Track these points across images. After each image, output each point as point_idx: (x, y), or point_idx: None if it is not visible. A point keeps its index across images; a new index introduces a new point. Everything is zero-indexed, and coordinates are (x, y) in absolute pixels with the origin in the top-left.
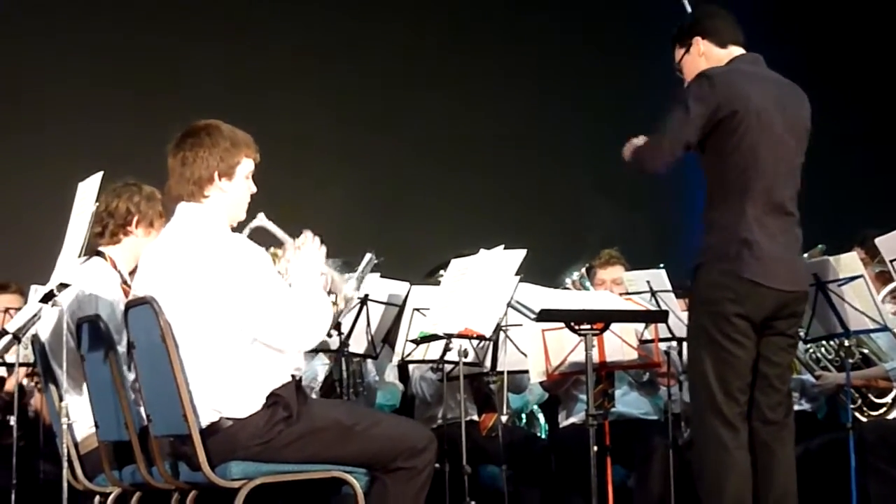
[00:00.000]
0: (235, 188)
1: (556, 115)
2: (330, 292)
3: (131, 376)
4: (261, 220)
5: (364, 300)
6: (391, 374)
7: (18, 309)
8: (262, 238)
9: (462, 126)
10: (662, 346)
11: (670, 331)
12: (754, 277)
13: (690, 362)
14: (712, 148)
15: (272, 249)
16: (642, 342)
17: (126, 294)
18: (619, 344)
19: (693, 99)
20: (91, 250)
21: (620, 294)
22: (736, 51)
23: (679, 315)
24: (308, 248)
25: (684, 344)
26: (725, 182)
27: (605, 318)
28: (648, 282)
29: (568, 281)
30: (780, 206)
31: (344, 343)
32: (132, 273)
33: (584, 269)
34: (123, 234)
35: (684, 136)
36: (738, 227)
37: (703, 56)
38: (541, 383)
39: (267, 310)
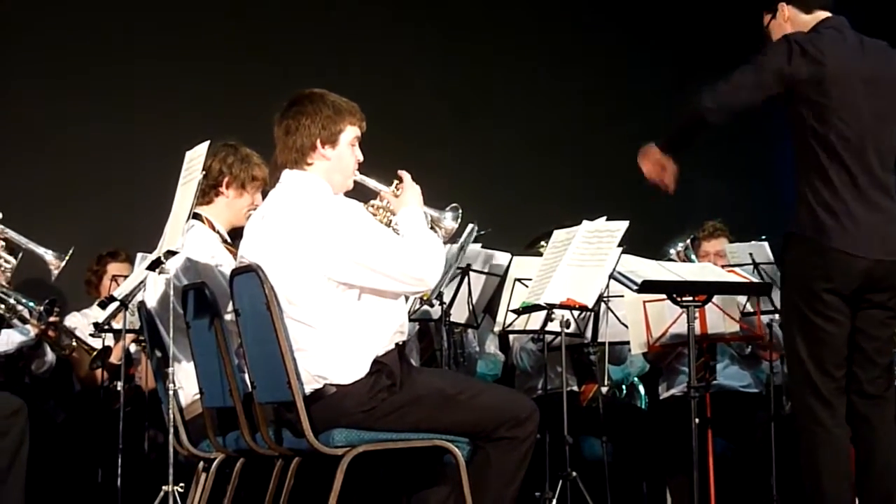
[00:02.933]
0: (339, 156)
1: (660, 87)
2: (432, 228)
3: (236, 343)
4: (355, 175)
5: (466, 270)
6: (492, 345)
7: (125, 276)
8: (359, 195)
9: (564, 100)
10: (764, 318)
11: (772, 303)
12: (842, 247)
13: (785, 339)
14: (798, 116)
15: (370, 202)
16: (744, 314)
17: (231, 253)
18: (721, 316)
19: (771, 53)
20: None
21: (723, 266)
22: (822, 15)
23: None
24: (407, 191)
25: None
26: (812, 150)
27: (707, 290)
28: (751, 254)
29: (673, 252)
30: (870, 173)
31: (445, 313)
32: (230, 234)
33: (689, 241)
34: (215, 194)
35: (761, 76)
36: (825, 197)
37: (789, 21)
38: (644, 355)
39: (384, 260)
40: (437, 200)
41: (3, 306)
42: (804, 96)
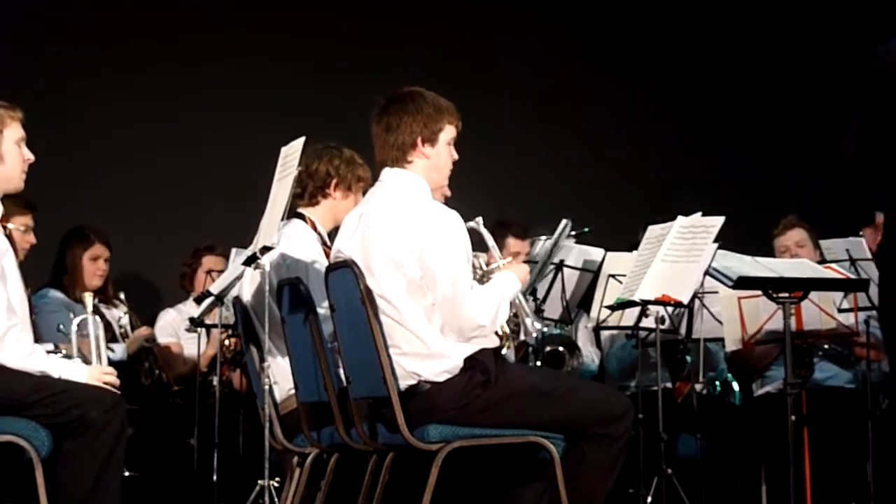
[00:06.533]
0: (438, 154)
1: (755, 80)
2: (515, 317)
3: (331, 338)
4: (477, 224)
5: (559, 266)
6: (587, 341)
7: (221, 271)
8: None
9: (657, 90)
10: (861, 315)
11: (870, 300)
12: None
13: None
14: None
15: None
16: (841, 311)
17: (327, 255)
18: (818, 312)
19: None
20: (291, 212)
21: (818, 262)
22: None
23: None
24: (517, 266)
25: None
26: None
27: (803, 286)
28: (848, 250)
29: None
30: None
31: (539, 308)
32: (331, 234)
33: None
34: (322, 197)
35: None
36: None
37: None
38: (727, 359)
39: (457, 282)
40: (532, 198)
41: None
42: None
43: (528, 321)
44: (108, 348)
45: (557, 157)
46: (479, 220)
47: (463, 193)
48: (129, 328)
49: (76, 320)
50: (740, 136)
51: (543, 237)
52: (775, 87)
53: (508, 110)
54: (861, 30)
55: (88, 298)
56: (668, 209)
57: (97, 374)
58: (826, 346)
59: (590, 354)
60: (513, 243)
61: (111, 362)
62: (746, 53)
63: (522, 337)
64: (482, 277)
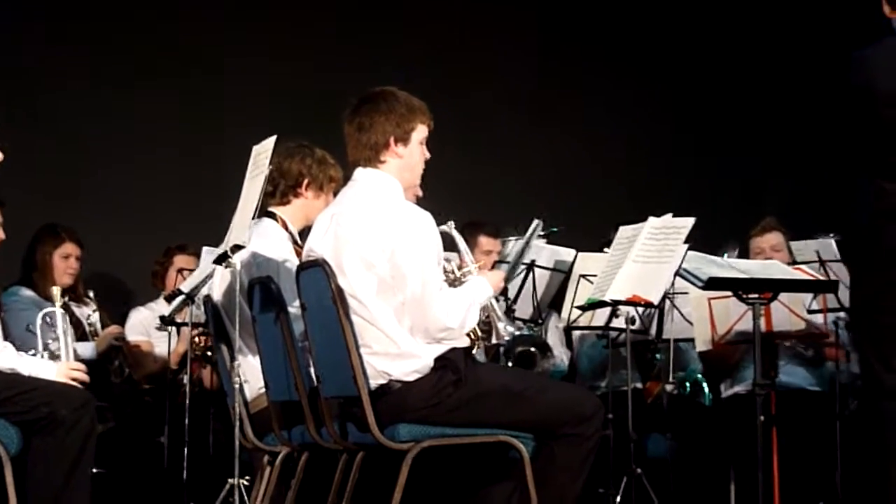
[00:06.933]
0: (411, 153)
1: (733, 81)
2: (487, 323)
3: (301, 337)
4: (449, 227)
5: (530, 266)
6: (557, 341)
7: (192, 270)
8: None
9: (630, 99)
10: (831, 316)
11: (839, 301)
12: None
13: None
14: None
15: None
16: (810, 312)
17: (298, 255)
18: (787, 314)
19: None
20: (262, 211)
21: (788, 263)
22: None
23: (848, 286)
24: (491, 273)
25: None
26: None
27: (774, 287)
28: (817, 251)
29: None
30: None
31: (509, 308)
32: (302, 234)
33: (735, 252)
34: (293, 196)
35: None
36: None
37: None
38: (702, 356)
39: (426, 285)
40: (503, 198)
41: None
42: None
43: (500, 325)
44: (75, 348)
45: (529, 158)
46: (451, 223)
47: (432, 194)
48: (98, 326)
49: (41, 313)
50: (716, 137)
51: (514, 237)
52: (753, 89)
53: (475, 111)
54: (839, 31)
55: (56, 291)
56: (642, 210)
57: (66, 370)
58: (787, 345)
59: (560, 354)
60: (485, 242)
61: (82, 361)
62: (725, 55)
63: (494, 341)
64: (454, 281)
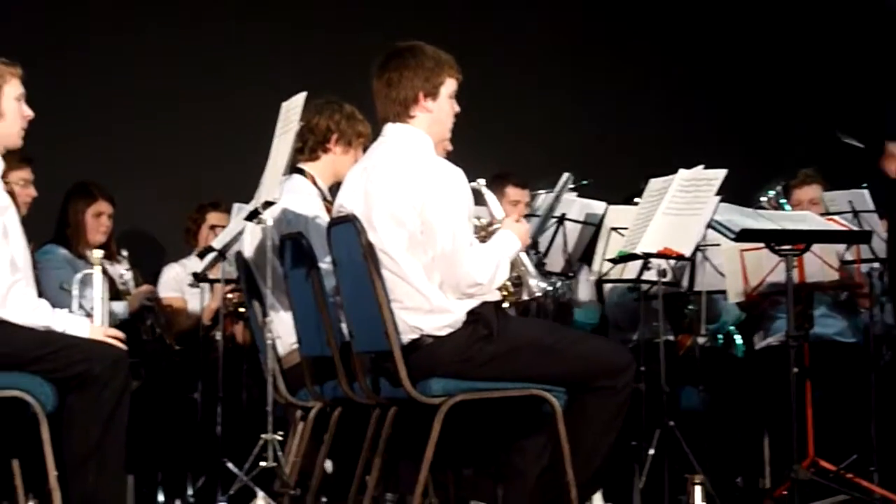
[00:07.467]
0: (440, 108)
1: (757, 27)
2: (517, 279)
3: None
4: (479, 185)
5: (561, 219)
6: (589, 294)
7: (224, 227)
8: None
9: (656, 42)
10: (864, 267)
11: (872, 252)
12: None
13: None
14: None
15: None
16: (843, 263)
17: (328, 210)
18: (820, 265)
19: None
20: (291, 167)
21: (821, 214)
22: None
23: (882, 235)
24: (518, 225)
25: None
26: None
27: (806, 239)
28: (850, 201)
29: (764, 199)
30: None
31: (540, 262)
32: (331, 189)
33: (780, 188)
34: (322, 152)
35: None
36: None
37: None
38: (738, 304)
39: (456, 240)
40: (533, 151)
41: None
42: None
43: (532, 281)
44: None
45: (559, 111)
46: (482, 181)
47: (461, 148)
48: (131, 285)
49: (79, 276)
50: (743, 86)
51: (544, 191)
52: (779, 33)
53: (506, 65)
54: None
55: (96, 255)
56: (668, 162)
57: (101, 329)
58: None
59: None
60: (512, 192)
61: (114, 322)
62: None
63: (525, 297)
64: (484, 238)
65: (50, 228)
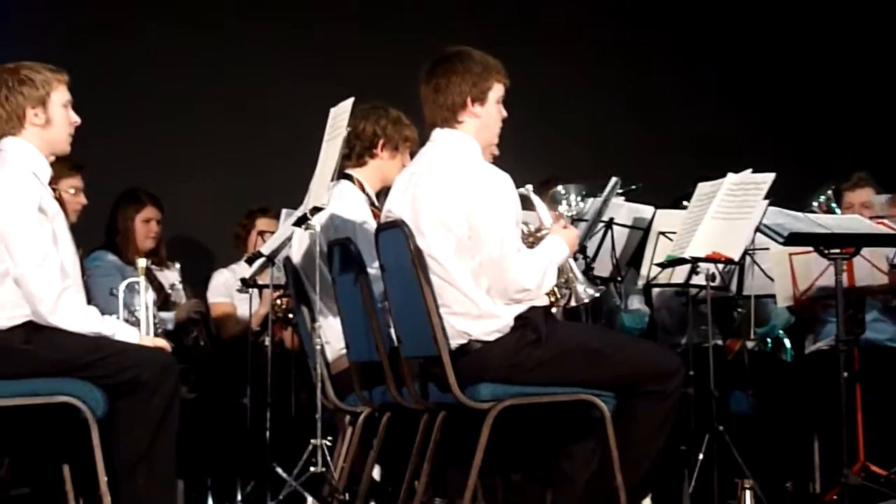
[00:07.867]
0: (488, 113)
1: (808, 29)
2: (565, 285)
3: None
4: (528, 190)
5: (609, 224)
6: (636, 299)
7: (272, 233)
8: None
9: (703, 45)
10: None
11: None
12: None
13: None
14: None
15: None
16: (893, 267)
17: (375, 216)
18: (870, 268)
19: None
20: (339, 173)
21: (870, 217)
22: None
23: None
24: (567, 231)
25: None
26: None
27: (855, 242)
28: None
29: (815, 203)
30: None
31: (588, 266)
32: (379, 195)
33: (831, 192)
34: (369, 157)
35: None
36: None
37: None
38: (788, 308)
39: (503, 245)
40: (583, 157)
41: None
42: None
43: (580, 287)
44: (156, 315)
45: (607, 114)
46: (530, 187)
47: (509, 153)
48: (182, 295)
49: (125, 283)
50: (794, 90)
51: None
52: (832, 37)
53: (552, 67)
54: None
55: (141, 263)
56: (717, 166)
57: (149, 338)
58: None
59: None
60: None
61: (162, 330)
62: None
63: (573, 303)
64: (532, 244)
65: (99, 235)
